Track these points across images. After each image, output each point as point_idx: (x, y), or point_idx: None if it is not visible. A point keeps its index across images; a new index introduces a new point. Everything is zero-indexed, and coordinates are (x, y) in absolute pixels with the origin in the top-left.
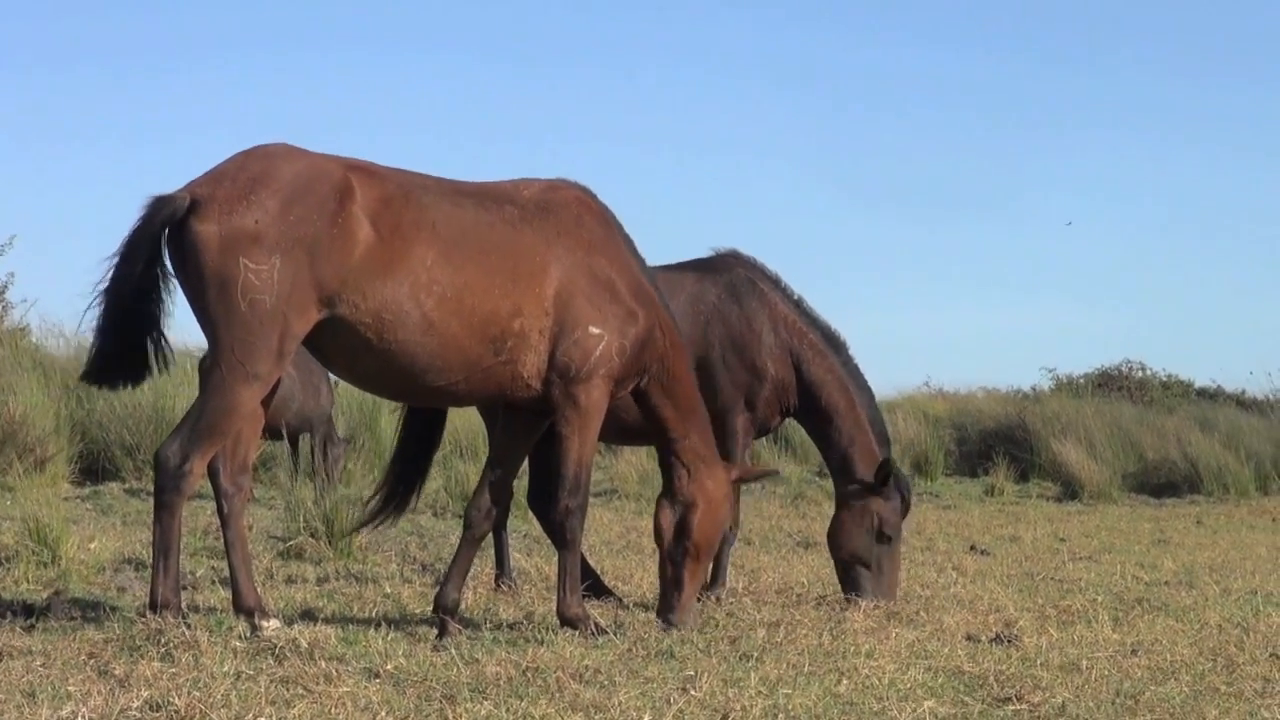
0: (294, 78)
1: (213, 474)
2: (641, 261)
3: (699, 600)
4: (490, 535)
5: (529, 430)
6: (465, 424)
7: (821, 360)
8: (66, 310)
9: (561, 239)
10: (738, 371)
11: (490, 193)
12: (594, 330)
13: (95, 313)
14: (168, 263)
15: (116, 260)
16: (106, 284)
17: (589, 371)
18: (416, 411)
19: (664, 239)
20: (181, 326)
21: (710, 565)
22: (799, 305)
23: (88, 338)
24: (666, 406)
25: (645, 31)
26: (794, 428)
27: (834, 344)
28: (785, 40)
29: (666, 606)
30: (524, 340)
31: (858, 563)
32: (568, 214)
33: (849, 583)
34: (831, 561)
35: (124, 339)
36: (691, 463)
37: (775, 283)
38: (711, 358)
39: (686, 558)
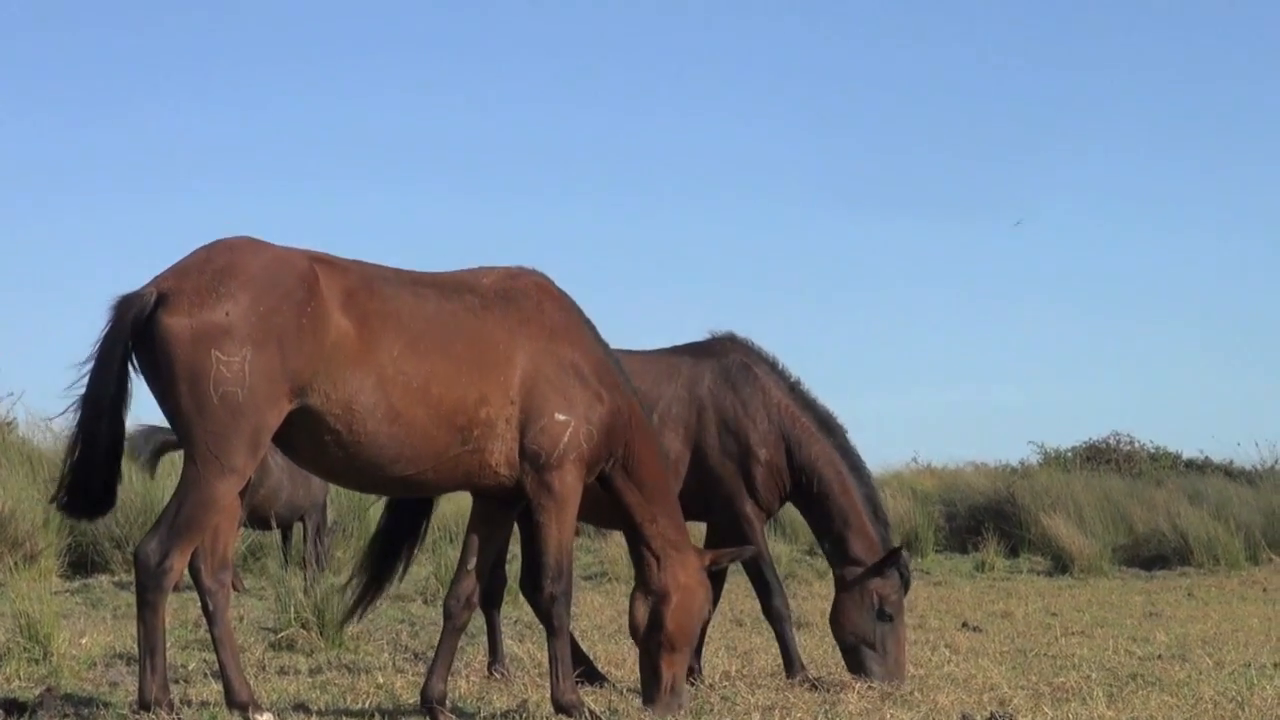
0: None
1: (194, 572)
2: (604, 344)
3: (691, 685)
4: (481, 619)
5: (500, 519)
6: (455, 510)
7: (815, 443)
8: (53, 403)
9: (524, 327)
10: (735, 457)
11: (450, 282)
12: (560, 417)
13: (73, 421)
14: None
15: (93, 366)
16: (84, 390)
17: (559, 458)
18: (402, 500)
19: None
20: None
21: (692, 652)
22: (794, 389)
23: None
24: (630, 491)
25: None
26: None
27: (828, 427)
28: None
29: (648, 698)
30: (491, 429)
31: (862, 644)
32: (529, 301)
33: (855, 665)
34: (826, 641)
35: (99, 453)
36: (661, 550)
37: (771, 366)
38: (709, 444)
39: (662, 650)
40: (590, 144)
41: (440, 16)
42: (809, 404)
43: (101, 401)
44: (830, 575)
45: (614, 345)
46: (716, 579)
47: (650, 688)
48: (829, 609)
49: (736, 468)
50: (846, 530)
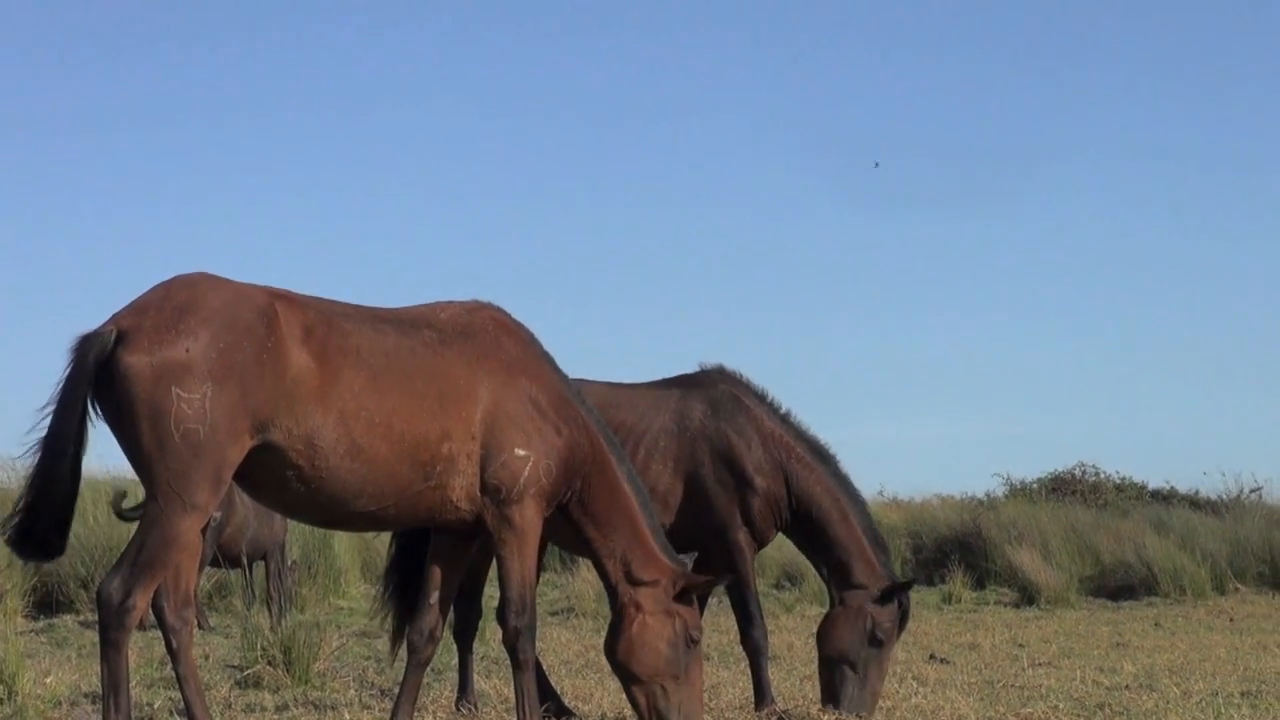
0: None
1: (157, 611)
2: (562, 377)
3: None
4: (448, 655)
5: (460, 551)
6: None
7: (810, 472)
8: (14, 441)
9: (484, 362)
10: (730, 487)
11: (408, 318)
12: (520, 452)
13: (33, 463)
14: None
15: (55, 409)
16: (45, 433)
17: (519, 493)
18: (408, 533)
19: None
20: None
21: (685, 679)
22: (785, 420)
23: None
24: (588, 525)
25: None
26: None
27: (821, 456)
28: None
29: None
30: (452, 464)
31: (844, 662)
32: (486, 336)
33: (831, 683)
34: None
35: (58, 496)
36: (620, 583)
37: (761, 398)
38: (702, 474)
39: (632, 681)
40: (577, 153)
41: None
42: (801, 434)
43: (63, 443)
44: (797, 609)
45: (600, 376)
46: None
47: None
48: (814, 629)
49: (731, 498)
50: (848, 557)
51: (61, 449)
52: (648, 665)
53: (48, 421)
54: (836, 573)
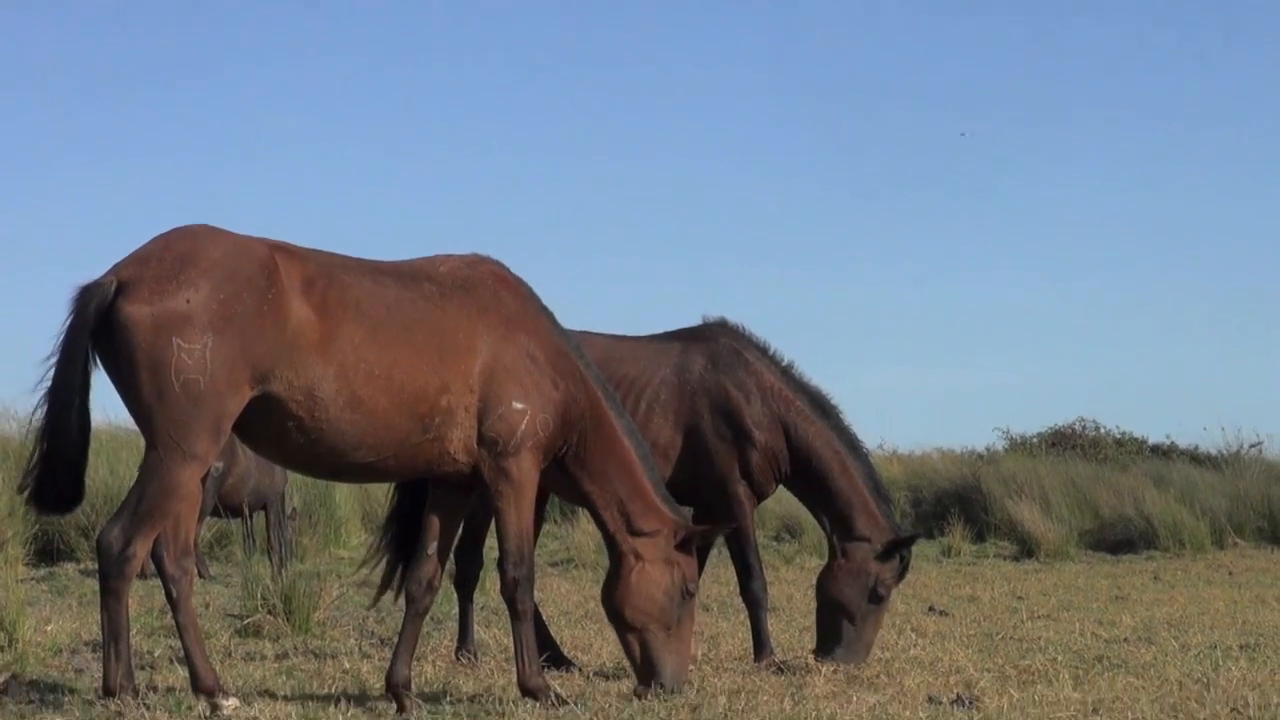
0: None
1: (157, 560)
2: (560, 331)
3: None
4: (446, 605)
5: (459, 502)
6: None
7: (810, 426)
8: (18, 390)
9: (483, 315)
10: (729, 440)
11: (407, 271)
12: (517, 405)
13: (40, 415)
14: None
15: (58, 359)
16: (50, 384)
17: (516, 445)
18: (409, 484)
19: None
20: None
21: (677, 630)
22: (786, 372)
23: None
24: (585, 478)
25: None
26: None
27: (823, 408)
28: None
29: (640, 680)
30: (450, 417)
31: (841, 613)
32: (486, 290)
33: (826, 631)
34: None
35: (69, 446)
36: (619, 533)
37: (763, 351)
38: (702, 427)
39: (630, 631)
40: (583, 131)
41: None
42: (802, 386)
43: (69, 394)
44: (797, 561)
45: (603, 330)
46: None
47: (637, 672)
48: (814, 580)
49: (730, 451)
50: (850, 510)
51: (67, 400)
52: (642, 613)
53: (51, 373)
54: (838, 525)
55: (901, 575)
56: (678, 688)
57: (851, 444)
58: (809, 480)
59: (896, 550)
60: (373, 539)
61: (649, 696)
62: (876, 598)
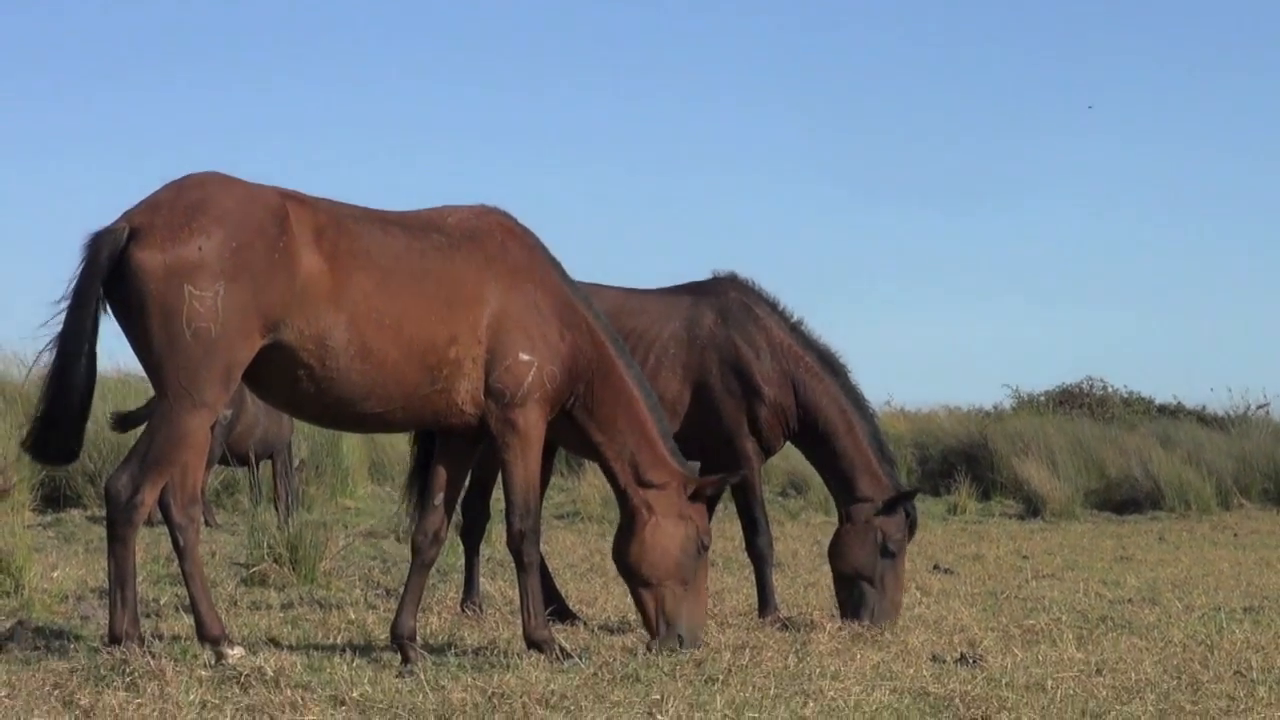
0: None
1: (164, 508)
2: (569, 282)
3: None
4: (452, 556)
5: (466, 454)
6: None
7: (818, 383)
8: (25, 335)
9: (491, 266)
10: (738, 396)
11: (416, 221)
12: (524, 357)
13: (50, 360)
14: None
15: (70, 304)
16: (61, 329)
17: (523, 397)
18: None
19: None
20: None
21: (693, 584)
22: (795, 329)
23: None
24: (594, 429)
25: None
26: None
27: (831, 366)
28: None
29: (654, 635)
30: (458, 368)
31: (861, 577)
32: (493, 241)
33: (848, 599)
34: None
35: (75, 393)
36: (629, 486)
37: (772, 307)
38: (711, 382)
39: (644, 585)
40: (589, 126)
41: None
42: (811, 343)
43: (78, 340)
44: (802, 516)
45: (612, 284)
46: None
47: (651, 628)
48: (827, 541)
49: (738, 406)
50: (853, 469)
51: (75, 347)
52: (658, 569)
53: (62, 319)
54: (842, 485)
55: (911, 530)
56: (696, 642)
57: (858, 403)
58: (815, 438)
59: (898, 505)
60: (405, 505)
61: (665, 651)
62: (888, 553)
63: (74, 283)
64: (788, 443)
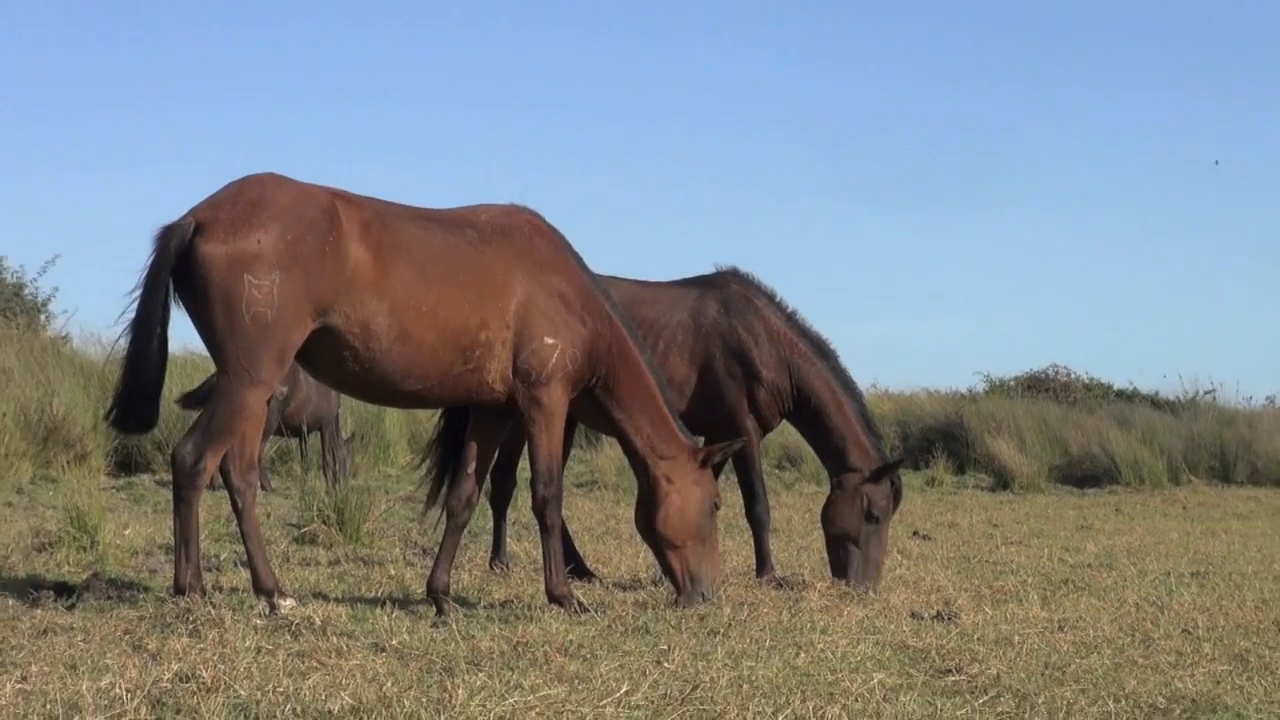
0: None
1: (224, 473)
2: (589, 274)
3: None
4: (483, 520)
5: (496, 427)
6: None
7: (811, 367)
8: (103, 319)
9: (519, 259)
10: (739, 378)
11: (452, 218)
12: (549, 340)
13: (125, 343)
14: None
15: (141, 293)
16: (134, 315)
17: (547, 376)
18: (453, 411)
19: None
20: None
21: (710, 540)
22: (791, 318)
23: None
24: (614, 407)
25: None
26: None
27: (823, 352)
28: (755, 60)
29: (682, 591)
30: (489, 350)
31: (847, 539)
32: (521, 236)
33: (838, 559)
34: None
35: (150, 372)
36: (647, 456)
37: (770, 298)
38: (715, 366)
39: (666, 547)
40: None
41: None
42: (805, 331)
43: (150, 324)
44: (796, 487)
45: (627, 277)
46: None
47: (679, 584)
48: (819, 508)
49: (739, 388)
50: (844, 442)
51: (149, 329)
52: (682, 531)
53: (135, 305)
54: (833, 457)
55: (896, 500)
56: (716, 592)
57: (847, 384)
58: (808, 416)
59: (884, 474)
60: (423, 461)
61: (692, 604)
62: (873, 519)
63: (145, 272)
64: (783, 420)
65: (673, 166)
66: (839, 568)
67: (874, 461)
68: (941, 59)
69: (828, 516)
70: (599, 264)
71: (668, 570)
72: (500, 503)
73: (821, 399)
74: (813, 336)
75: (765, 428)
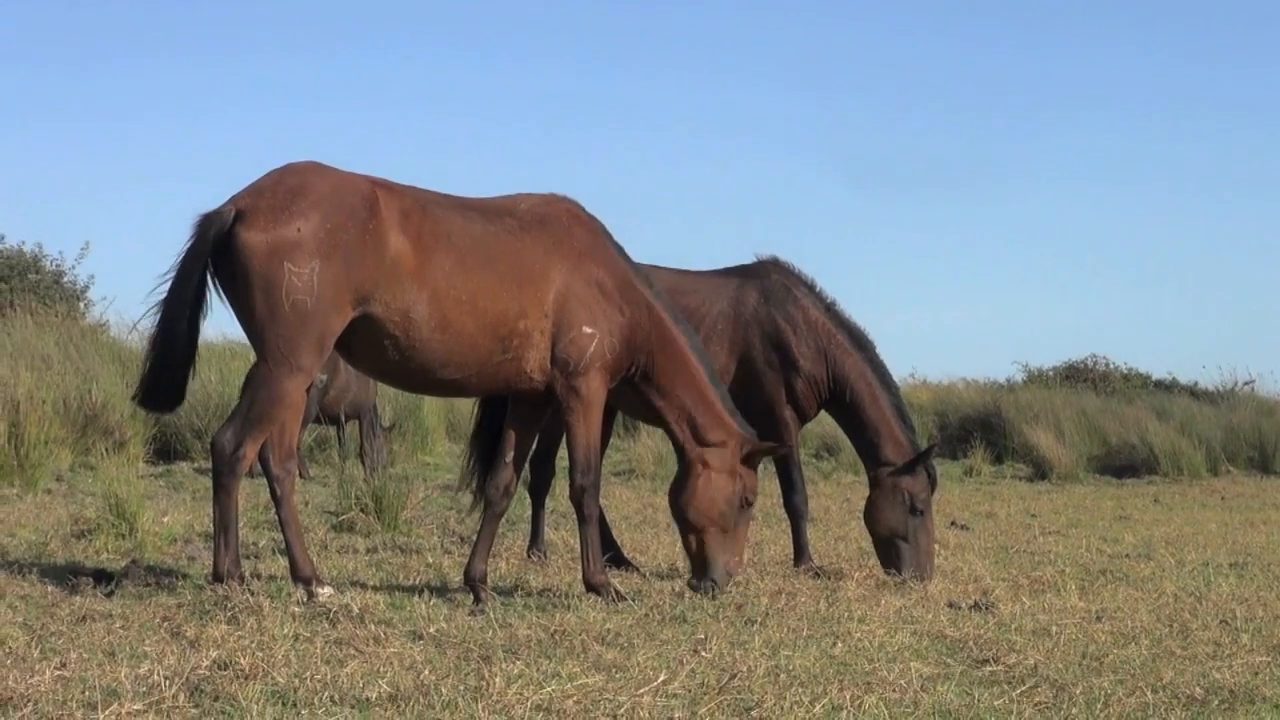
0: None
1: (263, 461)
2: (629, 263)
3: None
4: (520, 508)
5: (534, 417)
6: None
7: (848, 358)
8: (141, 307)
9: (558, 248)
10: (778, 368)
11: (492, 207)
12: (587, 329)
13: (153, 322)
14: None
15: (175, 275)
16: (163, 298)
17: (586, 365)
18: (490, 401)
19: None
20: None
21: (733, 533)
22: (830, 309)
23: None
24: (654, 395)
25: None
26: None
27: (860, 343)
28: (770, 29)
29: (695, 574)
30: (527, 339)
31: (895, 536)
32: (560, 225)
33: (888, 557)
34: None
35: (176, 352)
36: (687, 443)
37: (810, 288)
38: (753, 355)
39: (695, 532)
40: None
41: None
42: (843, 322)
43: (180, 306)
44: (834, 477)
45: (668, 265)
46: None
47: (693, 566)
48: (857, 498)
49: (778, 378)
50: (878, 436)
51: (178, 312)
52: (707, 516)
53: (167, 287)
54: (868, 450)
55: (933, 486)
56: (725, 584)
57: (883, 377)
58: (844, 407)
59: (917, 465)
60: (464, 458)
61: (702, 589)
62: (916, 511)
63: (180, 256)
64: (821, 410)
65: (702, 156)
66: (892, 565)
67: (908, 455)
68: (972, 26)
69: (873, 518)
70: (643, 254)
71: (688, 551)
72: (539, 491)
73: (857, 391)
74: (851, 327)
75: (803, 418)
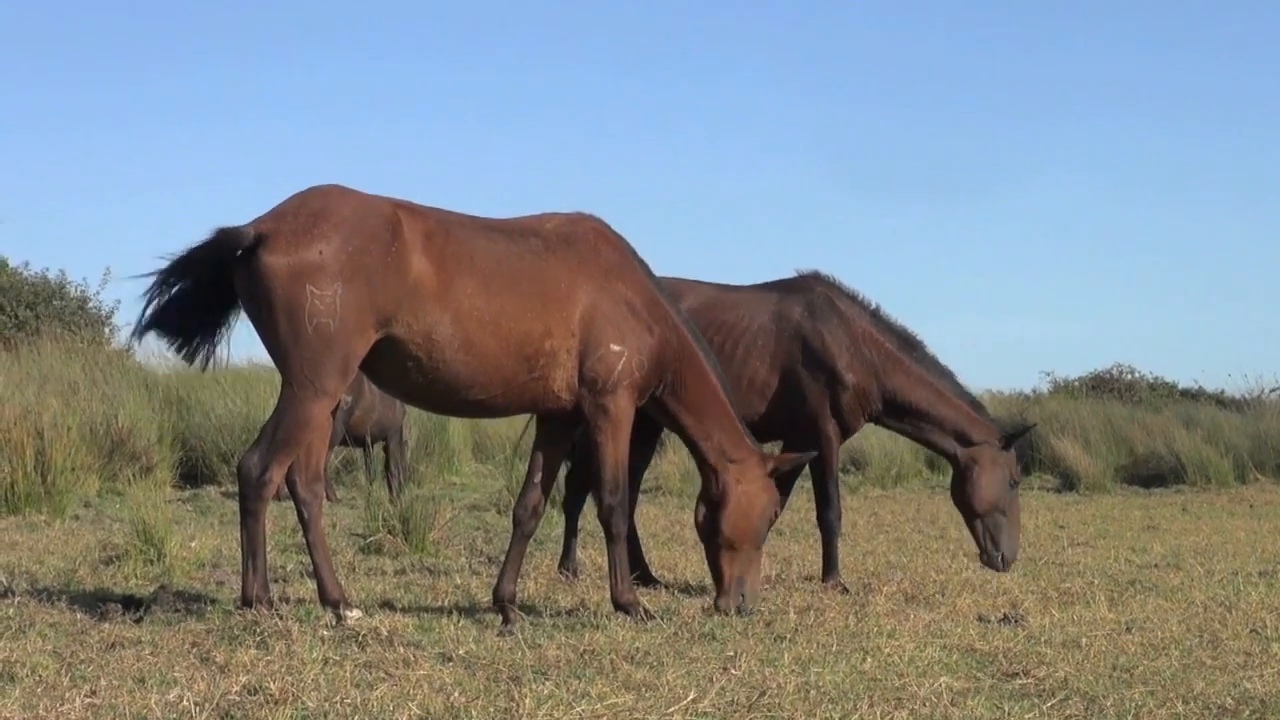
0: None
1: (290, 484)
2: (655, 281)
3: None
4: (548, 528)
5: (563, 437)
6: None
7: (898, 366)
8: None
9: (583, 267)
10: (822, 383)
11: (516, 227)
12: (615, 348)
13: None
14: (234, 294)
15: (174, 260)
16: (165, 266)
17: (614, 384)
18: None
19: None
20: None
21: (757, 553)
22: (875, 316)
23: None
24: (682, 413)
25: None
26: None
27: (909, 345)
28: (783, 29)
29: (718, 594)
30: (553, 359)
31: (997, 510)
32: (586, 244)
33: (988, 531)
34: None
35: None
36: (717, 462)
37: (853, 299)
38: (797, 370)
39: (722, 550)
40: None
41: None
42: (889, 328)
43: (175, 273)
44: (861, 491)
45: (707, 280)
46: (784, 483)
47: (717, 585)
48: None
49: (821, 392)
50: (961, 426)
51: (173, 279)
52: (742, 534)
53: (167, 265)
54: (953, 443)
55: (1022, 463)
56: (756, 600)
57: (939, 370)
58: (909, 415)
59: (1016, 439)
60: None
61: (730, 607)
62: (1014, 484)
63: (185, 252)
64: (869, 423)
65: (732, 175)
66: (991, 541)
67: (993, 432)
68: (985, 29)
69: (973, 494)
70: (672, 269)
71: (715, 571)
72: (573, 510)
73: (919, 396)
74: (898, 331)
75: (846, 431)
